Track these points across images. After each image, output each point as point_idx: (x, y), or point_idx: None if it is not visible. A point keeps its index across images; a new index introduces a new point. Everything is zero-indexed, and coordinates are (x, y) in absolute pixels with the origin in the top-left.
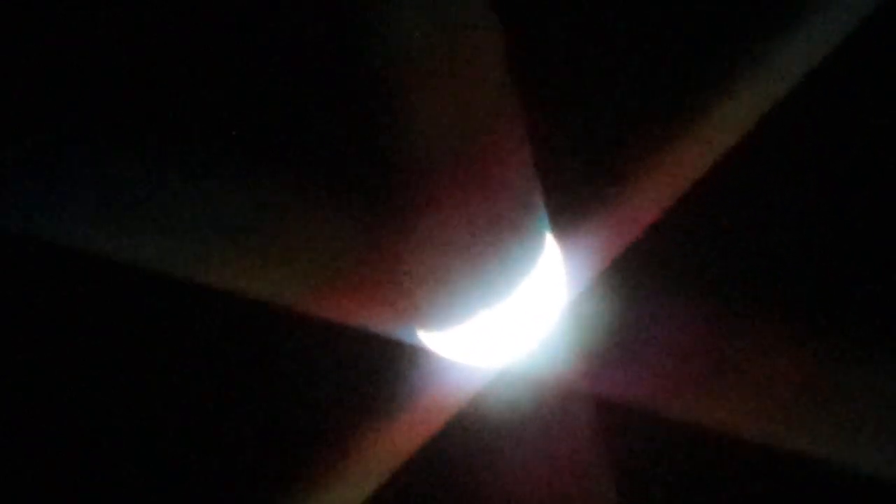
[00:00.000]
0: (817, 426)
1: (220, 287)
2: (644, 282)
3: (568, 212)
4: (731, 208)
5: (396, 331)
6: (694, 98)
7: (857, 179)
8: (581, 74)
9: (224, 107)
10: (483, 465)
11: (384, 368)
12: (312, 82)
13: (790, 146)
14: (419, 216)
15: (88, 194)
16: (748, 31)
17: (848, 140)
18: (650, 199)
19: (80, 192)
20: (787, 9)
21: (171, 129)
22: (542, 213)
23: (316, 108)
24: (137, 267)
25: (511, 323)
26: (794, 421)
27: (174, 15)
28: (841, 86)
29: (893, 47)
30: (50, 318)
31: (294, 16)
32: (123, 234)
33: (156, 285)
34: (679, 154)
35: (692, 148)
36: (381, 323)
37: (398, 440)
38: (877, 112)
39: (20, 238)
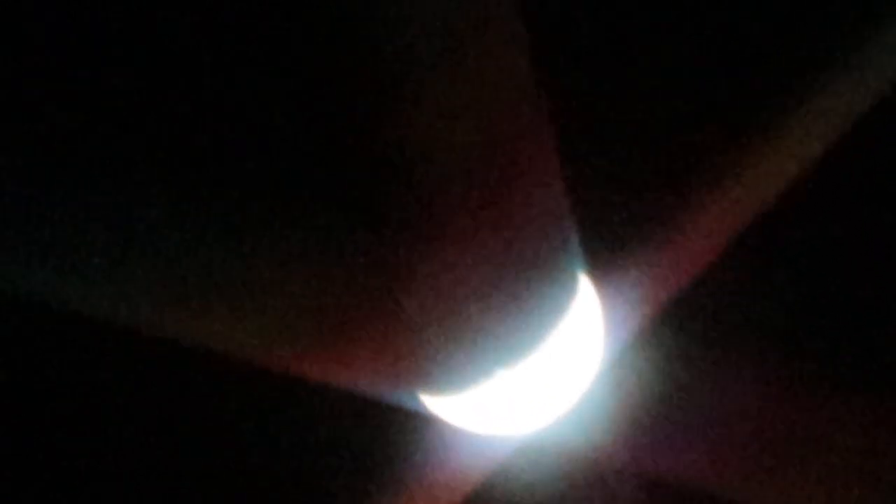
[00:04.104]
0: None
1: (195, 346)
2: (696, 338)
3: (608, 250)
4: (797, 252)
5: (399, 396)
6: (751, 131)
7: None
8: (628, 88)
9: (188, 122)
10: None
11: (386, 442)
12: (290, 86)
13: (860, 180)
14: (423, 253)
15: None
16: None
17: None
18: (705, 239)
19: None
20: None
21: (138, 168)
22: (577, 250)
23: (295, 116)
24: (116, 326)
25: (536, 386)
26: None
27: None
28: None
29: None
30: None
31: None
32: (96, 291)
33: (135, 346)
34: (741, 185)
35: (757, 176)
36: (379, 387)
37: None
38: None
39: None
